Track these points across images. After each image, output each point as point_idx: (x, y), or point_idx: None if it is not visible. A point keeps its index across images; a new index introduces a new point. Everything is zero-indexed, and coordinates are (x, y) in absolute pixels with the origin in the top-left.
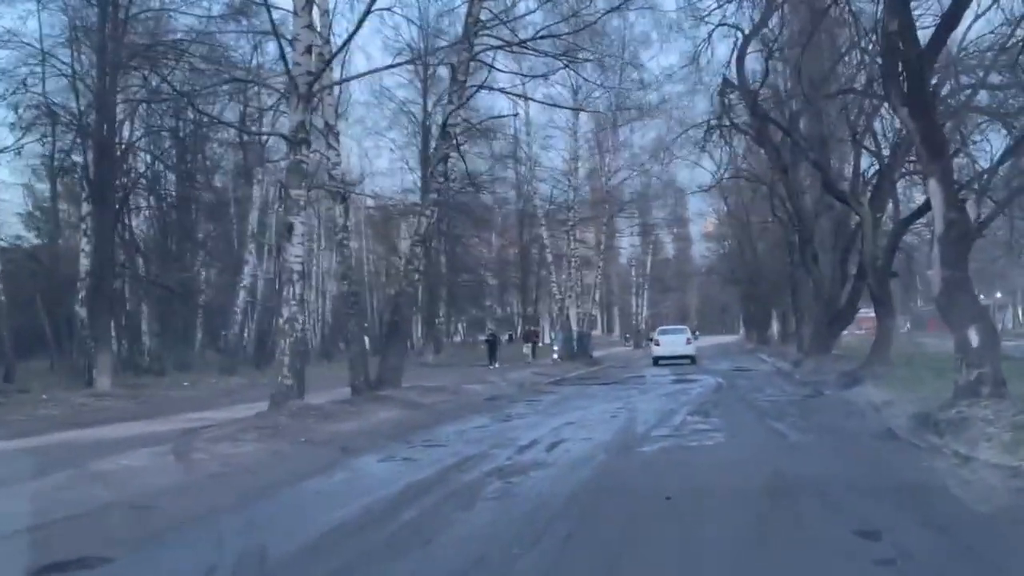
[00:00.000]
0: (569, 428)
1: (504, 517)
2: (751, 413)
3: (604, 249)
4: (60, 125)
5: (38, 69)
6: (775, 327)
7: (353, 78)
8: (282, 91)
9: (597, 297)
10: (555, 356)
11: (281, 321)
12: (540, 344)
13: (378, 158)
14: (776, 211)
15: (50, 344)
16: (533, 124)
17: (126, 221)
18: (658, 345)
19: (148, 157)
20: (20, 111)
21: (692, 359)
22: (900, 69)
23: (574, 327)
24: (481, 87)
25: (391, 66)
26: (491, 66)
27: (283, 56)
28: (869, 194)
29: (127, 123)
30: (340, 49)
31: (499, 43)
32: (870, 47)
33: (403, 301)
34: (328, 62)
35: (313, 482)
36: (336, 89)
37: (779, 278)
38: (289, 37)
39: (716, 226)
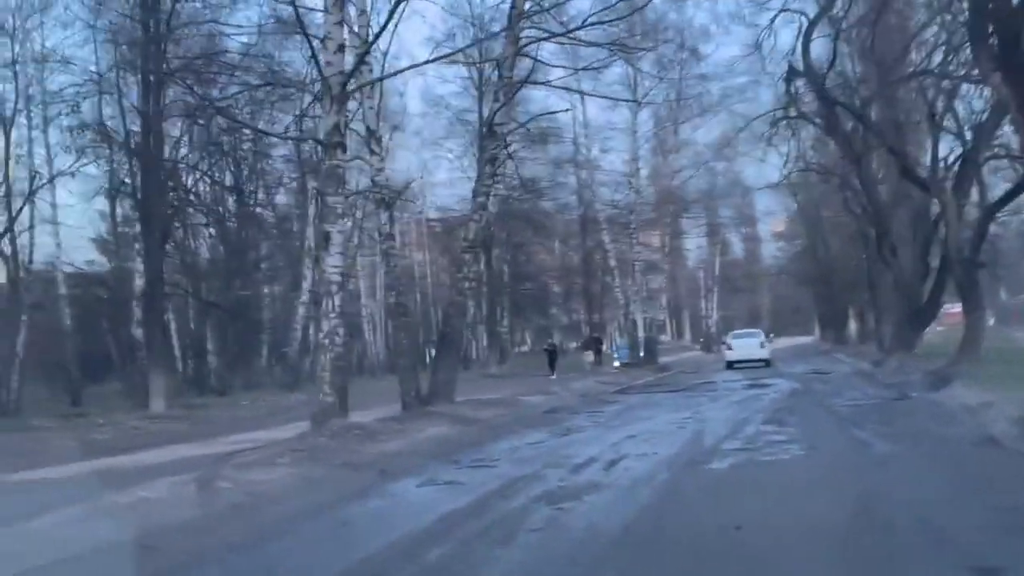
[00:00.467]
0: (631, 442)
1: (545, 554)
2: (831, 420)
3: (669, 252)
4: (112, 146)
5: (91, 91)
6: (852, 326)
7: (389, 76)
8: (316, 93)
9: (664, 301)
10: (616, 364)
11: (321, 335)
12: (605, 351)
13: (437, 169)
14: (849, 205)
15: (117, 367)
16: (591, 126)
17: (187, 241)
18: (731, 349)
19: (199, 174)
20: (75, 134)
21: (766, 362)
22: (990, 30)
23: (640, 333)
24: (527, 82)
25: (429, 61)
26: (536, 59)
27: (314, 55)
28: (951, 180)
29: (180, 142)
30: (370, 44)
31: (545, 35)
32: (949, 19)
33: (454, 311)
34: (360, 59)
35: (341, 512)
36: (377, 93)
37: (855, 275)
38: (320, 36)
39: (786, 224)
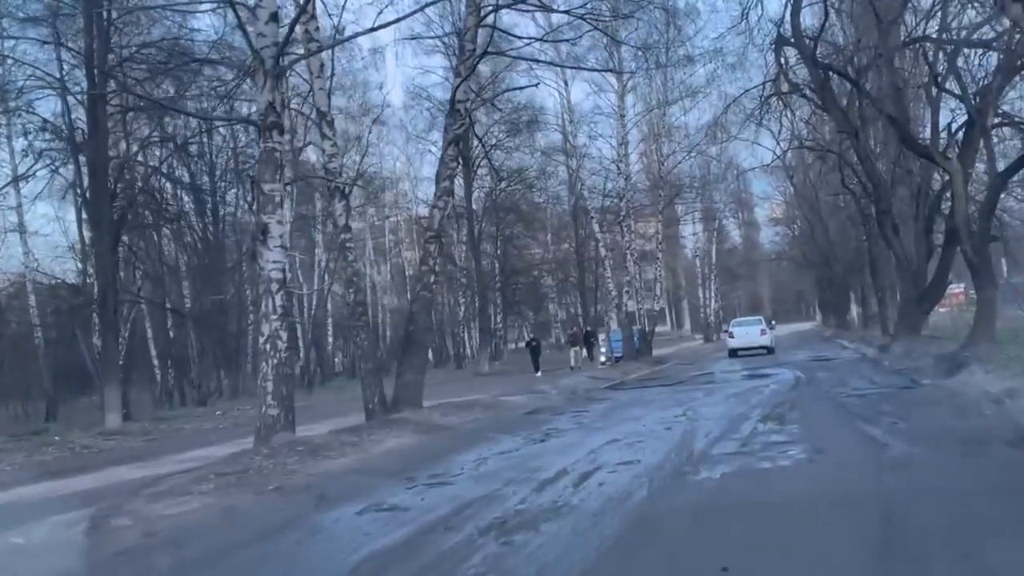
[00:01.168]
0: (612, 448)
1: None
2: (837, 415)
3: (663, 239)
4: (57, 145)
5: (39, 90)
6: (854, 310)
7: (329, 46)
8: (245, 69)
9: (659, 291)
10: (603, 360)
11: (261, 340)
12: (597, 346)
13: (424, 163)
14: (847, 182)
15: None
16: (577, 112)
17: (151, 244)
18: (732, 337)
19: (150, 171)
20: (29, 137)
21: (769, 349)
22: None
23: (636, 325)
24: (488, 53)
25: (375, 29)
26: (498, 29)
27: (241, 26)
28: (956, 149)
29: (147, 140)
30: (303, 8)
31: (509, 1)
32: None
33: (419, 308)
34: (292, 27)
35: (249, 554)
36: (327, 71)
37: (855, 257)
38: (250, 4)
39: (783, 208)
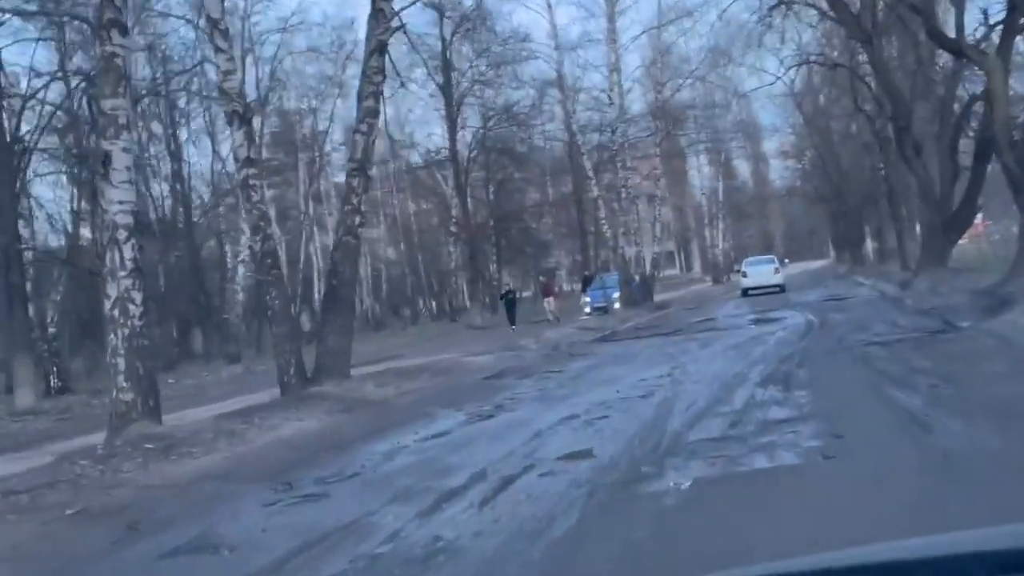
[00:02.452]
0: (564, 430)
1: None
2: (859, 374)
3: (662, 176)
4: None
5: None
6: (869, 245)
7: None
8: None
9: (659, 232)
10: (587, 310)
11: (107, 304)
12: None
13: (414, 108)
14: (861, 102)
15: None
16: (564, 38)
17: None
18: (745, 276)
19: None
20: None
21: (781, 288)
22: None
23: (639, 269)
24: None
25: None
26: None
27: None
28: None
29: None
30: None
31: None
32: None
33: (342, 256)
34: None
35: None
36: None
37: (870, 188)
38: None
39: (793, 141)
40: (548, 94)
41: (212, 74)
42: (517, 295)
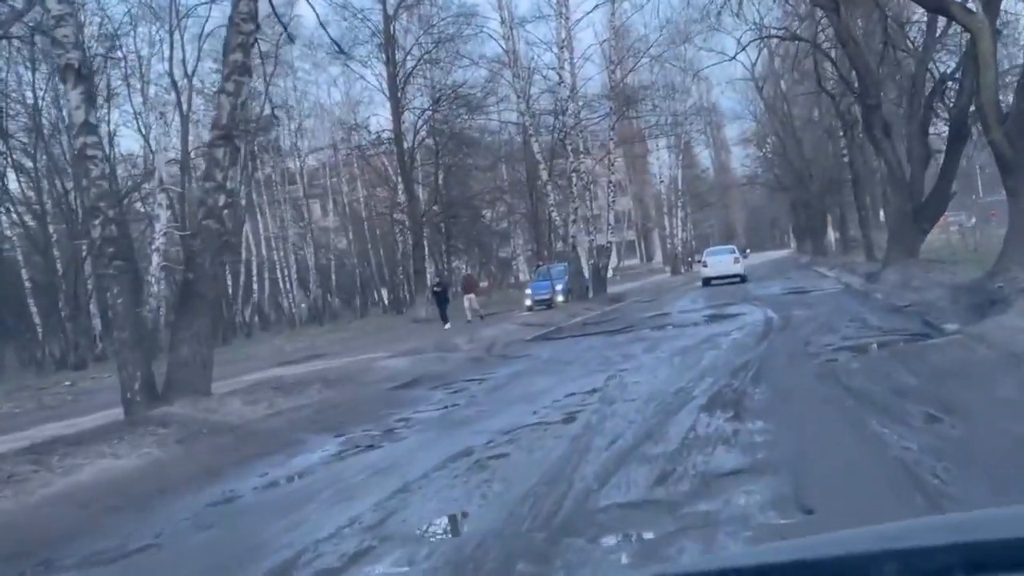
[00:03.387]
0: (439, 481)
1: None
2: (830, 395)
3: (615, 160)
4: None
5: None
6: (831, 235)
7: None
8: None
9: (612, 220)
10: (528, 303)
11: None
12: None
13: (364, 90)
14: (823, 81)
15: None
16: (513, 12)
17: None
18: (706, 267)
19: None
20: None
21: (742, 278)
22: None
23: (590, 259)
24: None
25: None
26: None
27: None
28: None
29: None
30: None
31: None
32: None
33: (202, 245)
34: None
35: None
36: None
37: (833, 174)
38: None
39: (754, 128)
40: (501, 75)
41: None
42: (448, 289)
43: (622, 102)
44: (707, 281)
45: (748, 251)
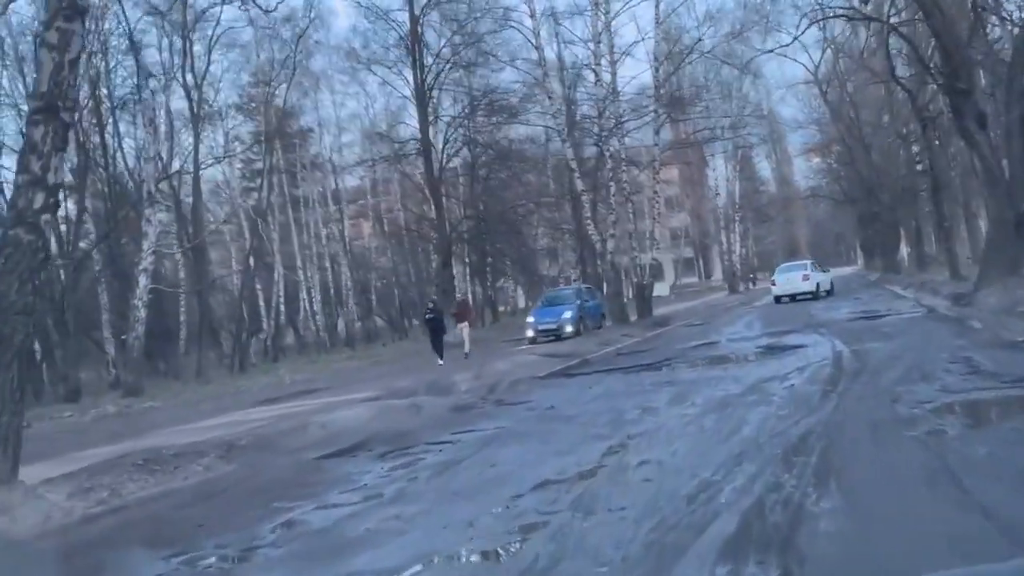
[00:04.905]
0: None
1: None
2: (949, 515)
3: (658, 168)
4: None
5: None
6: (904, 250)
7: None
8: None
9: (656, 235)
10: (530, 335)
11: None
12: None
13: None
14: (897, 74)
15: None
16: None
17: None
18: (775, 285)
19: None
20: None
21: (813, 294)
22: None
23: (634, 279)
24: None
25: None
26: None
27: None
28: None
29: None
30: None
31: None
32: None
33: (6, 267)
34: None
35: None
36: None
37: (905, 184)
38: None
39: (818, 137)
40: (533, 76)
41: None
42: (443, 318)
43: (669, 103)
44: (778, 299)
45: (829, 269)
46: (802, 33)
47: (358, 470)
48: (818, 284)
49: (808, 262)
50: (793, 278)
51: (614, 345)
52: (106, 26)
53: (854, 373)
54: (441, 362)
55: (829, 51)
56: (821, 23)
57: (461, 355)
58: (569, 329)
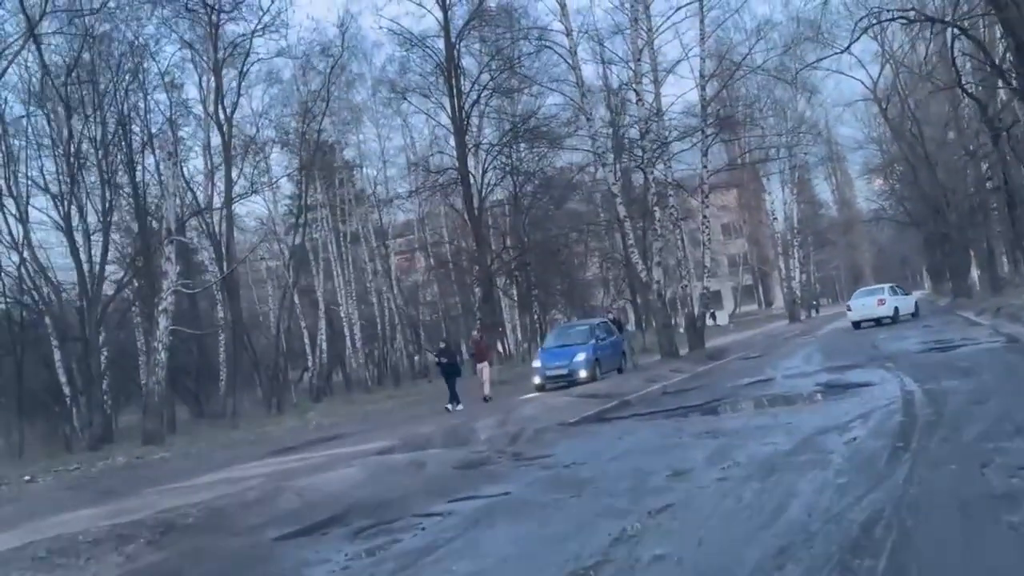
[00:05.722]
0: None
1: None
2: None
3: (708, 191)
4: None
5: None
6: (975, 273)
7: None
8: None
9: (707, 262)
10: (536, 382)
11: None
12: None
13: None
14: (962, 77)
15: None
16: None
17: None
18: (849, 310)
19: None
20: None
21: (892, 318)
22: None
23: (688, 309)
24: None
25: None
26: None
27: None
28: None
29: None
30: None
31: None
32: None
33: None
34: None
35: None
36: None
37: (974, 202)
38: None
39: (879, 157)
40: (573, 99)
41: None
42: (458, 358)
43: (717, 123)
44: (856, 324)
45: (912, 293)
46: (857, 38)
47: (317, 557)
48: (896, 308)
49: (886, 286)
50: (869, 303)
51: (660, 382)
52: (146, 65)
53: (929, 424)
54: (450, 407)
55: (888, 66)
56: (878, 35)
57: (481, 398)
58: (583, 374)
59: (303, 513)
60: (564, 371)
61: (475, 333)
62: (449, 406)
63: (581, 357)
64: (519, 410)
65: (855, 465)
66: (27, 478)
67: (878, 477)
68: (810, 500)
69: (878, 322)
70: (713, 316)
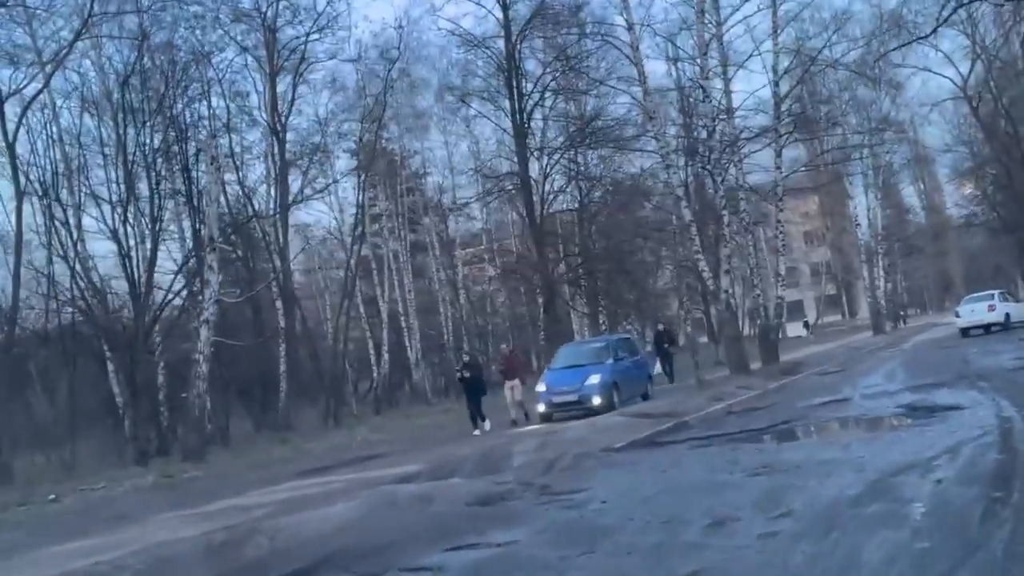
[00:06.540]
0: None
1: None
2: None
3: (782, 194)
4: None
5: None
6: None
7: None
8: None
9: (781, 268)
10: (541, 410)
11: None
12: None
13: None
14: None
15: None
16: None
17: None
18: (958, 316)
19: None
20: None
21: (1003, 325)
22: None
23: (761, 320)
24: None
25: None
26: None
27: None
28: None
29: None
30: None
31: None
32: None
33: None
34: None
35: None
36: None
37: None
38: None
39: (969, 160)
40: (635, 97)
41: None
42: (483, 372)
43: (792, 122)
44: (964, 332)
45: (1014, 297)
46: (945, 20)
47: None
48: (1007, 314)
49: (995, 292)
50: (978, 309)
51: (725, 401)
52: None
53: None
54: (477, 431)
55: (979, 61)
56: (968, 28)
57: (509, 421)
58: (597, 401)
59: (265, 565)
60: (574, 397)
61: (504, 347)
62: (476, 431)
63: (595, 380)
64: (563, 432)
65: (938, 523)
66: (52, 497)
67: (969, 544)
68: None
69: (987, 329)
70: (784, 329)
